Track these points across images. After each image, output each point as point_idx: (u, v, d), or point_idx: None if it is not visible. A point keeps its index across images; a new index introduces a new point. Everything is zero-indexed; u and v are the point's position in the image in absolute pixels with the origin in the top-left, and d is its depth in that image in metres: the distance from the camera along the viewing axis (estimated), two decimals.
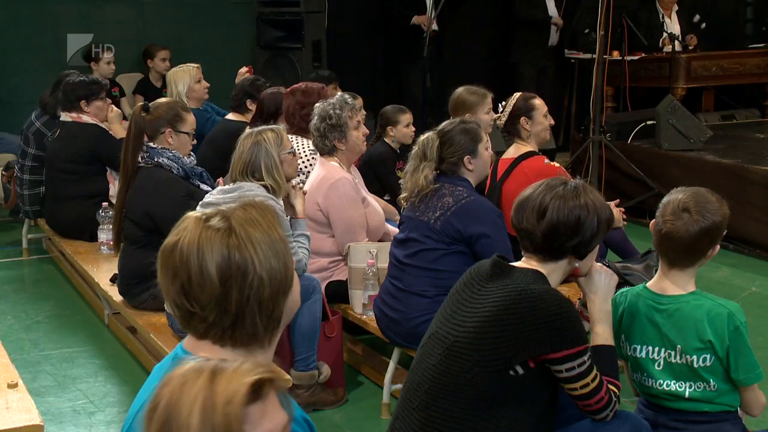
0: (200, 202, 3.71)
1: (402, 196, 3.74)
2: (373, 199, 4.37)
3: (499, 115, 4.61)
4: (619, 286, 2.83)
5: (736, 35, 9.03)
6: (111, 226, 4.59)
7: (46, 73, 6.81)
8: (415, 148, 3.66)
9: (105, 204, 5.23)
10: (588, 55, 7.47)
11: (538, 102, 4.54)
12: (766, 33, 8.51)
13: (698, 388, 2.60)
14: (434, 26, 7.76)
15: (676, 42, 7.82)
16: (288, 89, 4.92)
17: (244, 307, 1.63)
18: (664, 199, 2.66)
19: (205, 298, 1.63)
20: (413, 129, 5.38)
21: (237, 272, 1.62)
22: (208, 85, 6.03)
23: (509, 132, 4.58)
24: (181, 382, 1.28)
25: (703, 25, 8.42)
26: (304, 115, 4.57)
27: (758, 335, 4.30)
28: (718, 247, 2.66)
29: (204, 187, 4.23)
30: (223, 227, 1.65)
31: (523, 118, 4.47)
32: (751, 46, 8.57)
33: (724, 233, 2.66)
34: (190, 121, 4.30)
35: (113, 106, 5.94)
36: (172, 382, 1.29)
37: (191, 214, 1.72)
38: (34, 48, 7.70)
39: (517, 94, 4.60)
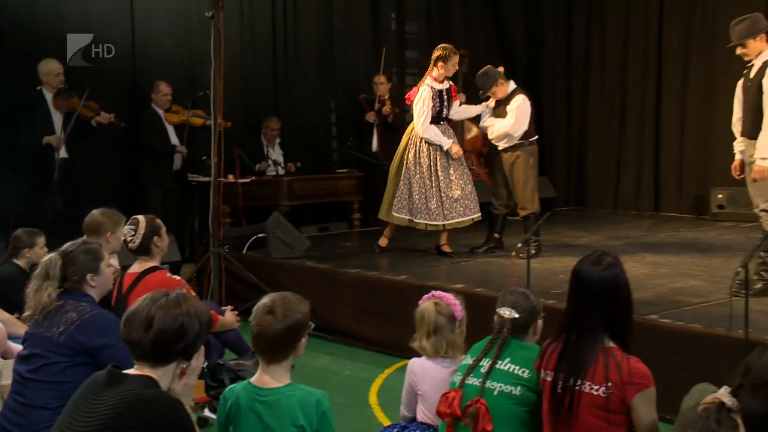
0: None
1: (25, 314, 3.56)
2: None
3: (132, 238, 4.56)
4: (233, 380, 2.94)
5: (326, 162, 9.90)
6: None
7: None
8: (39, 269, 3.54)
9: None
10: (206, 178, 7.67)
11: (160, 221, 4.64)
12: (348, 161, 9.48)
13: None
14: (64, 153, 7.53)
15: (279, 168, 8.38)
16: None
17: None
18: (256, 305, 2.85)
19: None
20: (47, 250, 5.19)
21: None
22: None
23: (141, 253, 4.55)
24: None
25: (350, 142, 9.11)
26: None
27: (349, 412, 4.64)
28: (305, 340, 2.88)
29: None
30: None
31: (155, 237, 4.52)
32: (337, 171, 9.47)
33: (310, 327, 2.90)
34: None
35: None
36: None
37: None
38: None
39: (141, 219, 4.58)
